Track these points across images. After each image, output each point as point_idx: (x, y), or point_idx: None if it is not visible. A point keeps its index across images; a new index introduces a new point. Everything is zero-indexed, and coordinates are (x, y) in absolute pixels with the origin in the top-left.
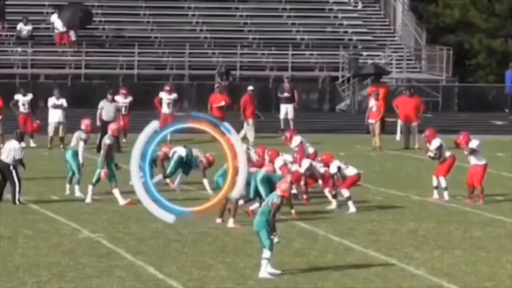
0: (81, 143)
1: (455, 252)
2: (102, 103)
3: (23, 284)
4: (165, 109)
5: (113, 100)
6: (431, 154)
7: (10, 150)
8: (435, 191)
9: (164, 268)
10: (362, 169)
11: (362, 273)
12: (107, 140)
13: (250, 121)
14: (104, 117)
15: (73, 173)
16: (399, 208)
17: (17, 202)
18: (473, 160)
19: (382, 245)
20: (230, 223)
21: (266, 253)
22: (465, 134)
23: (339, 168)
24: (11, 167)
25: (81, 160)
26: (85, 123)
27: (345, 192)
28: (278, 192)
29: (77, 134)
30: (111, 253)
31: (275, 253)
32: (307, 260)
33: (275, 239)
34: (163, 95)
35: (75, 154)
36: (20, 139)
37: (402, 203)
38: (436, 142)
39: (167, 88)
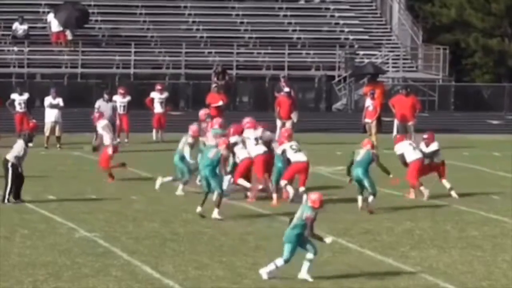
0: (187, 148)
1: (451, 251)
2: (99, 103)
3: (20, 283)
4: (157, 109)
5: (110, 100)
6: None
7: (15, 148)
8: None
9: (160, 267)
10: None
11: (359, 273)
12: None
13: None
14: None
15: (182, 175)
16: (395, 207)
17: (6, 202)
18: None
19: (378, 244)
20: (215, 213)
21: (279, 261)
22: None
23: (283, 151)
24: (9, 165)
25: (190, 161)
26: (192, 129)
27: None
28: (309, 203)
29: (184, 138)
30: (108, 252)
31: (272, 252)
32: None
33: (328, 240)
34: (155, 94)
35: (182, 157)
36: (27, 140)
37: (398, 203)
38: (434, 146)
39: (159, 87)
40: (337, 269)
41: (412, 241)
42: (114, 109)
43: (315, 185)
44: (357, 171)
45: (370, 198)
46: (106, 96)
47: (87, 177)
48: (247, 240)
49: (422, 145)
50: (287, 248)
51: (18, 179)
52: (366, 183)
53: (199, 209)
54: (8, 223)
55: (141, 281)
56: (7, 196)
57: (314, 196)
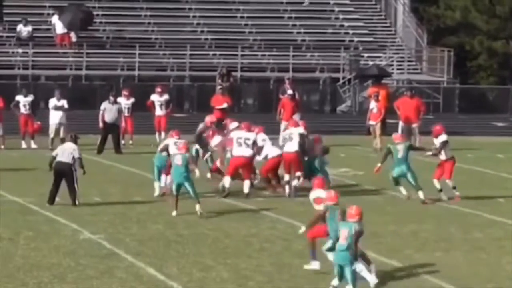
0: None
1: (456, 253)
2: (104, 105)
3: (24, 285)
4: (158, 111)
5: (115, 102)
6: (429, 153)
7: (69, 151)
8: (442, 193)
9: (164, 269)
10: (363, 170)
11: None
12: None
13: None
14: (107, 119)
15: None
16: (400, 209)
17: (77, 203)
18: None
19: (383, 247)
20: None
21: None
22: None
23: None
24: (72, 167)
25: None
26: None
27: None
28: (353, 218)
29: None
30: (112, 254)
31: (276, 253)
32: (307, 262)
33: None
34: (155, 97)
35: None
36: (75, 141)
37: (403, 205)
38: (442, 137)
39: (158, 90)
40: None
41: (417, 243)
42: (120, 111)
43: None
44: (402, 168)
45: (421, 194)
46: (111, 98)
47: (91, 179)
48: (251, 242)
49: (434, 140)
50: (350, 271)
51: (57, 186)
52: (411, 178)
53: (174, 213)
54: (12, 225)
55: (146, 283)
56: (77, 197)
57: (355, 210)
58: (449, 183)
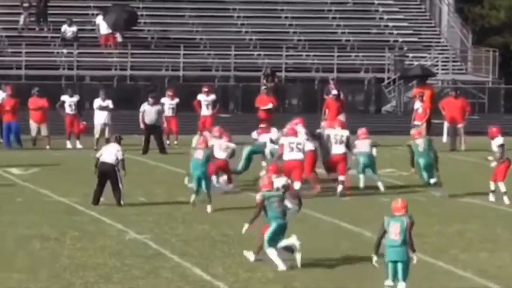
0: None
1: (502, 254)
2: (144, 107)
3: (71, 285)
4: (204, 111)
5: (154, 103)
6: (494, 163)
7: (113, 151)
8: (491, 194)
9: (210, 269)
10: (407, 170)
11: (408, 275)
12: None
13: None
14: (147, 120)
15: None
16: (445, 210)
17: (122, 203)
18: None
19: (428, 247)
20: None
21: (402, 286)
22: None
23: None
24: (116, 168)
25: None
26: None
27: None
28: (400, 212)
29: None
30: (158, 254)
31: (320, 253)
32: (353, 262)
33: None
34: (201, 97)
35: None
36: (119, 141)
37: (448, 205)
38: (499, 140)
39: (205, 89)
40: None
41: (462, 244)
42: (159, 112)
43: (365, 188)
44: (427, 159)
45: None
46: (151, 100)
47: (136, 179)
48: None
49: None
50: (403, 267)
51: (101, 187)
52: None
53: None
54: (58, 225)
55: (192, 283)
56: (122, 197)
57: (401, 202)
58: (501, 187)
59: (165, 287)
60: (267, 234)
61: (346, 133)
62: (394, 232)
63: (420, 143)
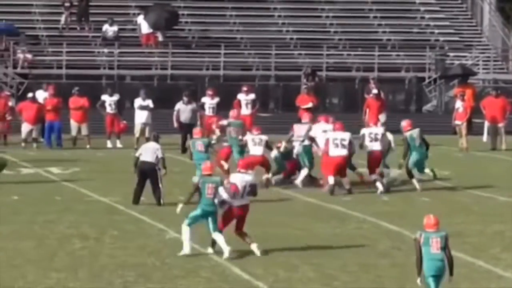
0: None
1: None
2: (178, 106)
3: (110, 284)
4: (244, 110)
5: (189, 102)
6: None
7: (153, 150)
8: None
9: (250, 269)
10: (448, 170)
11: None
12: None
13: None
14: (182, 119)
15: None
16: (485, 209)
17: (162, 202)
18: None
19: (468, 246)
20: None
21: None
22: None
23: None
24: (156, 167)
25: None
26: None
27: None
28: (435, 229)
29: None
30: (197, 253)
31: (361, 253)
32: (393, 262)
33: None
34: (241, 96)
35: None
36: (157, 140)
37: (488, 204)
38: None
39: (245, 89)
40: None
41: (503, 243)
42: (194, 111)
43: (405, 188)
44: (421, 154)
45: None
46: (185, 99)
47: (176, 178)
48: (337, 241)
49: None
50: (436, 283)
51: (141, 186)
52: (425, 161)
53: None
54: (98, 224)
55: (231, 283)
56: (162, 196)
57: (434, 219)
58: None
59: (205, 287)
60: (190, 213)
61: (380, 130)
62: (436, 246)
63: (415, 135)
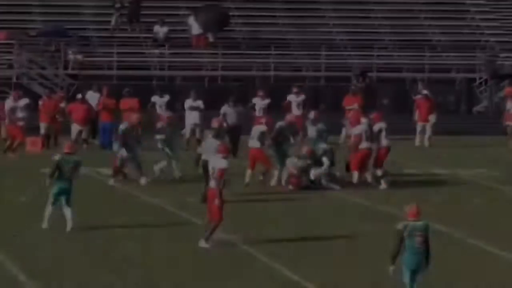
0: None
1: None
2: (224, 109)
3: (159, 285)
4: (294, 111)
5: (235, 105)
6: None
7: (214, 146)
8: None
9: (299, 269)
10: (498, 171)
11: (498, 278)
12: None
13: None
14: (229, 122)
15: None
16: None
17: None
18: None
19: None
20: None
21: None
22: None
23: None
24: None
25: None
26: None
27: None
28: (416, 218)
29: None
30: (246, 255)
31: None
32: (442, 264)
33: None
34: (292, 97)
35: None
36: (217, 135)
37: None
38: None
39: (295, 90)
40: (475, 273)
41: None
42: (240, 114)
43: (454, 189)
44: None
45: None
46: (231, 102)
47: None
48: (386, 241)
49: None
50: (414, 277)
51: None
52: None
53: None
54: (148, 225)
55: (280, 284)
56: None
57: (414, 208)
58: None
59: (253, 287)
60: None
61: (383, 125)
62: (419, 240)
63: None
